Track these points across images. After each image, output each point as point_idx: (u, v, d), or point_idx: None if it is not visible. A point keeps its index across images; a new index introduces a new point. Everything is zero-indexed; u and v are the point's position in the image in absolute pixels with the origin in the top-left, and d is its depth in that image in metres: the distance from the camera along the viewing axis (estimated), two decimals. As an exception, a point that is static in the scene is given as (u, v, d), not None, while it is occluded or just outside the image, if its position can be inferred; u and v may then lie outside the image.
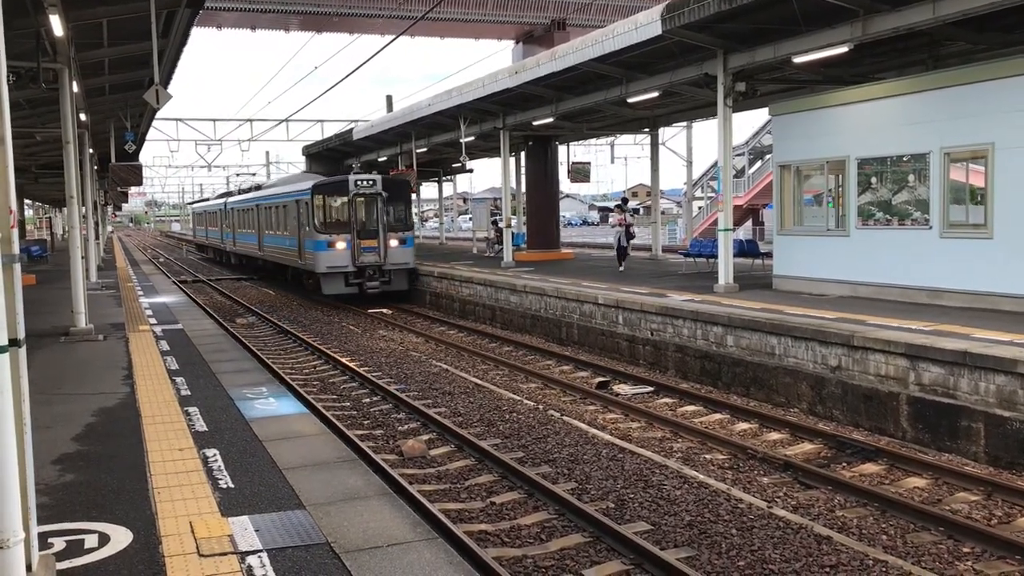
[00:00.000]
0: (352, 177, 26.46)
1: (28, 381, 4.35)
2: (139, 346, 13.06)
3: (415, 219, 36.77)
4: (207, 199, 65.75)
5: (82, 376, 10.81)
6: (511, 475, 9.46)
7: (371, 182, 26.03)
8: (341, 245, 25.35)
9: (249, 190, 43.26)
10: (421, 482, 9.38)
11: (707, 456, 10.05)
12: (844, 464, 9.68)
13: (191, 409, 8.63)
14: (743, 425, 11.44)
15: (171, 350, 12.67)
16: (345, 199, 25.86)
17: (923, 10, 12.53)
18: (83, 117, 19.95)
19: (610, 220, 28.42)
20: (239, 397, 9.25)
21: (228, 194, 51.59)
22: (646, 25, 15.78)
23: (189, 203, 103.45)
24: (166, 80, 14.90)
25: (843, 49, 14.17)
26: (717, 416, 11.94)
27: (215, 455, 7.00)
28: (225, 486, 6.30)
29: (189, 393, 9.46)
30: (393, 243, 25.84)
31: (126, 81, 19.06)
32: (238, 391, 9.60)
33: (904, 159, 14.35)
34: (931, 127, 13.40)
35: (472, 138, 28.02)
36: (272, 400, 9.13)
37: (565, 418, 11.91)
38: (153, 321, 16.36)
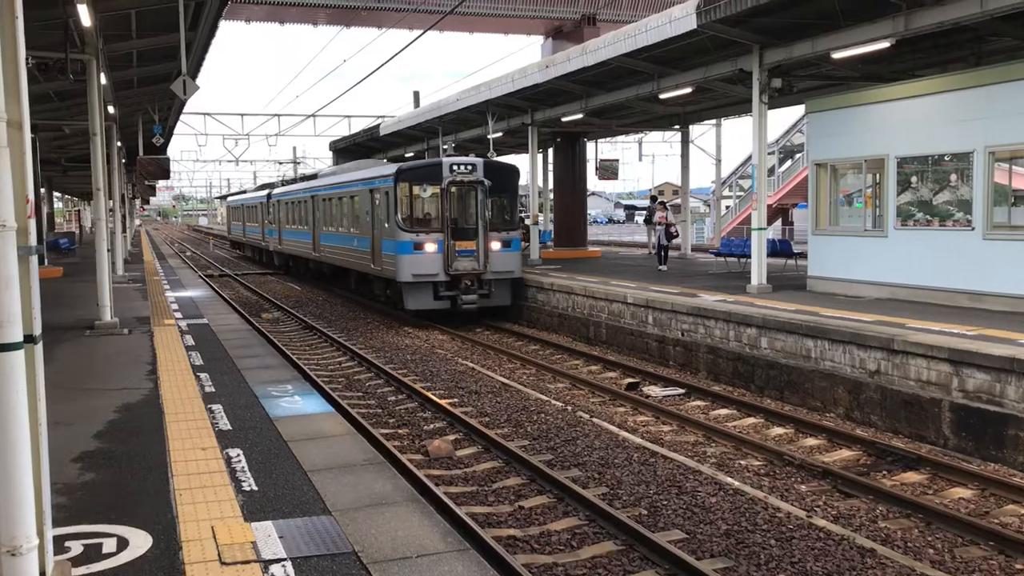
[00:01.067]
0: (447, 160, 20.73)
1: (47, 377, 4.15)
2: (164, 340, 12.94)
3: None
4: (244, 191, 60.33)
5: (106, 371, 10.68)
6: (540, 478, 9.21)
7: (470, 167, 20.47)
8: (431, 248, 20.12)
9: (298, 180, 39.78)
10: (448, 484, 9.16)
11: (742, 462, 9.76)
12: (885, 472, 9.35)
13: (215, 406, 8.45)
14: (778, 430, 11.13)
15: (196, 345, 12.53)
16: (437, 189, 20.35)
17: (970, 4, 12.15)
18: (111, 110, 19.92)
19: (654, 217, 26.74)
20: (264, 395, 9.07)
21: (270, 185, 46.92)
22: (680, 19, 15.46)
23: (223, 196, 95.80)
24: (194, 72, 14.78)
25: (884, 44, 13.80)
26: (751, 420, 11.63)
27: (239, 455, 6.80)
28: (248, 489, 6.09)
29: (213, 390, 9.29)
30: (495, 246, 20.54)
31: (154, 74, 19.00)
32: (263, 388, 9.42)
33: (946, 158, 13.95)
34: (975, 125, 13.00)
35: (500, 134, 27.78)
36: (298, 398, 8.94)
37: (595, 420, 11.65)
38: (179, 315, 16.26)
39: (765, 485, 8.93)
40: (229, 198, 65.02)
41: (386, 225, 21.05)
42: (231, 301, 24.64)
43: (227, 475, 6.37)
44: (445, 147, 27.51)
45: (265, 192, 41.30)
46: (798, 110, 39.73)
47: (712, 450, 10.25)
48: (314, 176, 35.10)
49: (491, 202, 20.56)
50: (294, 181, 41.22)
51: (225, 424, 7.79)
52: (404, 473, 8.37)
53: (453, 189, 20.39)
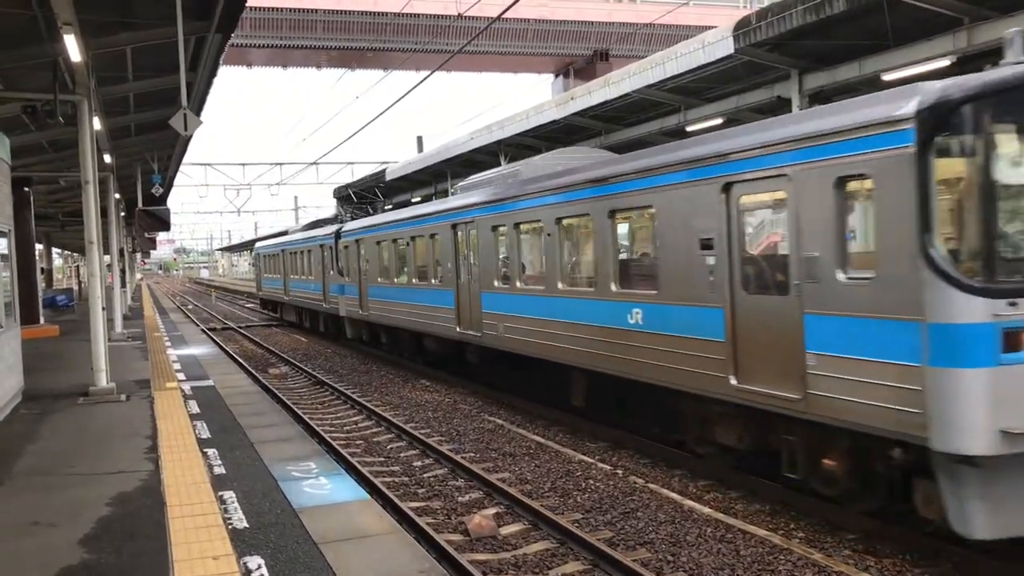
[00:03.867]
0: None
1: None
2: (165, 408, 11.67)
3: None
4: (286, 231, 42.77)
5: (99, 449, 9.34)
6: (603, 561, 7.92)
7: None
8: None
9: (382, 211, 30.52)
10: (498, 573, 7.86)
11: (829, 538, 8.39)
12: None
13: (227, 494, 7.16)
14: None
15: (201, 413, 11.26)
16: None
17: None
18: (107, 159, 18.88)
19: None
20: (283, 476, 7.78)
21: (331, 220, 34.39)
22: (715, 43, 14.44)
23: (228, 247, 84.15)
24: (196, 110, 13.70)
25: (944, 63, 12.71)
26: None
27: (259, 567, 5.52)
28: (274, 615, 4.83)
29: (224, 471, 8.00)
30: None
31: (153, 120, 17.97)
32: (281, 467, 8.13)
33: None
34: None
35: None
36: (323, 480, 7.64)
37: (651, 486, 10.34)
38: (181, 377, 15.01)
39: (873, 566, 7.60)
40: (259, 244, 45.41)
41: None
42: (237, 357, 23.40)
43: (247, 596, 5.10)
44: (454, 191, 26.33)
45: (331, 230, 27.54)
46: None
47: (798, 524, 8.90)
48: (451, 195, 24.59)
49: None
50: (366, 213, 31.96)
51: (240, 519, 6.49)
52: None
53: None
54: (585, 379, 12.73)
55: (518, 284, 14.19)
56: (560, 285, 12.78)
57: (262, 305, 44.76)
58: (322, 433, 13.16)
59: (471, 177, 17.98)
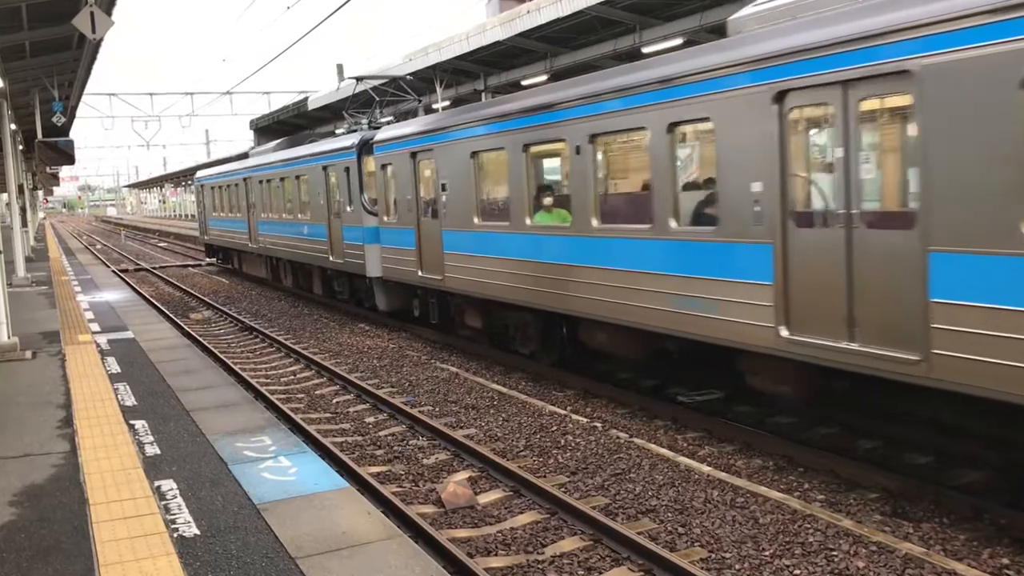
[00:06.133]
0: None
1: None
2: (80, 367, 10.13)
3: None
4: (244, 155, 32.60)
5: (1, 423, 7.84)
6: (607, 537, 6.92)
7: None
8: None
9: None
10: (486, 554, 6.79)
11: (852, 499, 7.54)
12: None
13: (165, 484, 5.79)
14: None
15: (123, 372, 9.77)
16: None
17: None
18: (-1, 83, 16.77)
19: None
20: (234, 456, 6.43)
21: (303, 138, 24.40)
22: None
23: (175, 174, 65.53)
24: (107, 7, 11.76)
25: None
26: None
27: (220, 591, 4.28)
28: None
29: (158, 452, 6.59)
30: None
31: (51, 38, 15.88)
32: (229, 444, 6.78)
33: None
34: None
35: (448, 103, 25.18)
36: (284, 461, 6.29)
37: (636, 440, 9.37)
38: (95, 328, 13.39)
39: (913, 534, 6.76)
40: (203, 173, 34.89)
41: None
42: (156, 302, 21.64)
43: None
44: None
45: (346, 142, 18.44)
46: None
47: (811, 484, 8.02)
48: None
49: None
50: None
51: (187, 522, 5.13)
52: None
53: None
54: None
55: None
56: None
57: (208, 253, 34.90)
58: (271, 398, 11.79)
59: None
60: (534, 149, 11.80)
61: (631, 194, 10.81)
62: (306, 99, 34.24)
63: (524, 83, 22.00)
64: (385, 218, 16.45)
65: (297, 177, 21.34)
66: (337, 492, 5.62)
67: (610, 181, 11.24)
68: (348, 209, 18.09)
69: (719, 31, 15.55)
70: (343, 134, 20.05)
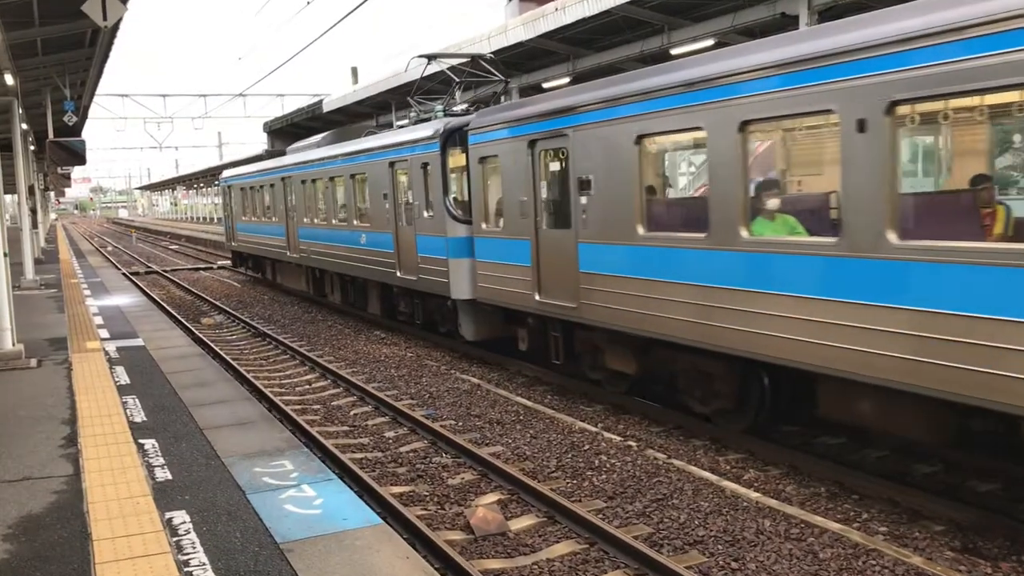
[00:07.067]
0: None
1: None
2: (87, 378, 9.61)
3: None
4: (280, 153, 27.31)
5: (1, 440, 7.30)
6: (653, 572, 6.36)
7: None
8: None
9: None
10: (523, 590, 6.25)
11: (917, 532, 6.96)
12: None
13: (177, 517, 5.22)
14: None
15: (132, 384, 9.23)
16: None
17: None
18: (9, 80, 16.33)
19: None
20: (252, 484, 5.84)
21: (349, 132, 21.80)
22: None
23: (201, 172, 58.29)
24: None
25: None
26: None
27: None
28: None
29: (169, 477, 6.03)
30: None
31: (63, 35, 15.45)
32: (246, 468, 6.20)
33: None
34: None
35: (466, 106, 24.65)
36: (308, 490, 5.69)
37: (675, 462, 8.81)
38: (104, 334, 12.89)
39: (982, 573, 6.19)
40: (230, 173, 30.72)
41: None
42: (167, 307, 21.18)
43: None
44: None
45: (420, 133, 15.17)
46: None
47: (869, 514, 7.44)
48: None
49: None
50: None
51: (202, 565, 4.51)
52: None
53: None
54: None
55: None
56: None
57: (235, 262, 30.70)
58: (297, 418, 11.26)
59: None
60: (758, 127, 8.24)
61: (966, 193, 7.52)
62: (320, 101, 33.82)
63: (545, 86, 21.48)
64: (484, 226, 13.19)
65: (352, 176, 18.04)
66: (370, 529, 5.02)
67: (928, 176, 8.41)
68: (426, 214, 14.65)
69: (755, 31, 15.06)
70: (408, 125, 16.73)
